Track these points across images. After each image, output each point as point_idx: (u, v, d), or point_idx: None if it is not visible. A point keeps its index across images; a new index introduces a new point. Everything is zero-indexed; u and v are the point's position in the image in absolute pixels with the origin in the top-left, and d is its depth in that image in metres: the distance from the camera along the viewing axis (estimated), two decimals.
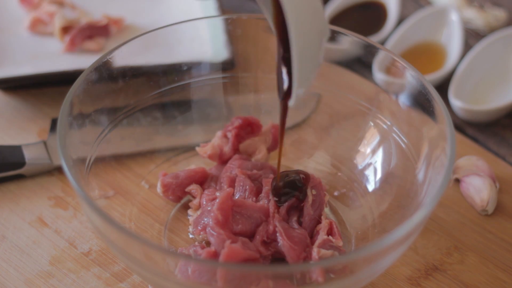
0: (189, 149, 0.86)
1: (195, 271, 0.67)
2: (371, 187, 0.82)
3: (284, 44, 0.66)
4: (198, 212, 0.78)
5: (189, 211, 0.80)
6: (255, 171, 0.80)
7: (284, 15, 0.62)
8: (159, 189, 0.81)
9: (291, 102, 0.68)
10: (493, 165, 0.89)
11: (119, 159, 0.84)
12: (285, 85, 0.68)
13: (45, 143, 0.87)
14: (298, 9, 0.62)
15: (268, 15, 0.68)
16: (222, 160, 0.83)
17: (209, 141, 0.84)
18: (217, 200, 0.73)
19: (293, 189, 0.75)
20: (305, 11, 0.62)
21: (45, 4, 1.04)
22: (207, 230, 0.73)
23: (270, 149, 0.85)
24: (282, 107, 0.72)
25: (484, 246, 0.81)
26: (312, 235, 0.76)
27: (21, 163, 0.84)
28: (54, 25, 1.01)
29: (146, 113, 0.84)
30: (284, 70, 0.68)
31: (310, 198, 0.76)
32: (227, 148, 0.83)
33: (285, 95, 0.69)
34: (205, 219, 0.75)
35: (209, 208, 0.76)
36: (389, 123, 0.81)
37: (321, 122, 0.89)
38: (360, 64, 0.95)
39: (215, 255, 0.71)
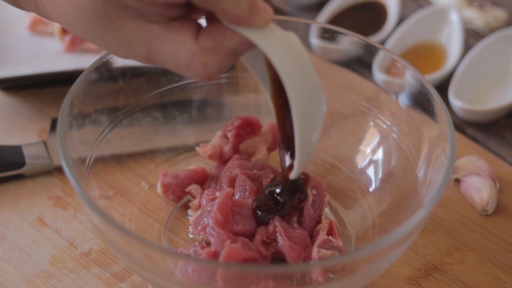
0: (189, 149, 0.86)
1: (195, 271, 0.67)
2: (371, 187, 0.82)
3: (284, 124, 0.69)
4: (198, 212, 0.78)
5: (189, 211, 0.80)
6: (255, 171, 0.80)
7: (290, 105, 0.63)
8: (159, 189, 0.81)
9: (292, 175, 0.69)
10: (493, 165, 0.89)
11: (119, 159, 0.84)
12: (287, 162, 0.71)
13: (45, 143, 0.87)
14: (301, 94, 0.63)
15: (266, 92, 0.70)
16: (222, 160, 0.83)
17: (209, 141, 0.84)
18: (217, 200, 0.73)
19: (294, 191, 0.75)
20: (306, 93, 0.64)
21: None
22: (207, 230, 0.73)
23: (270, 149, 0.85)
24: (284, 177, 0.73)
25: (484, 246, 0.81)
26: (312, 235, 0.75)
27: (21, 163, 0.84)
28: (54, 25, 1.01)
29: (146, 113, 0.84)
30: (287, 149, 0.71)
31: (310, 198, 0.76)
32: (227, 148, 0.83)
33: (288, 168, 0.71)
34: (205, 219, 0.75)
35: (209, 208, 0.76)
36: (389, 123, 0.81)
37: None
38: (360, 64, 0.95)
39: (215, 255, 0.71)
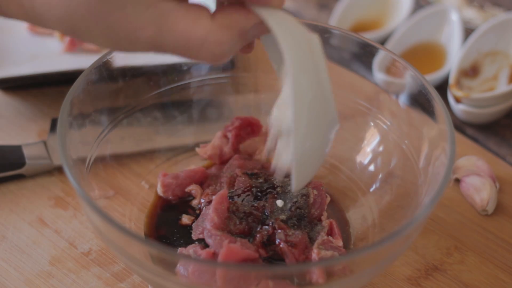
0: (189, 149, 0.86)
1: (195, 271, 0.67)
2: (371, 187, 0.82)
3: None
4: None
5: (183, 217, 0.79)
6: (255, 171, 0.80)
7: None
8: (159, 189, 0.80)
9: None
10: (493, 165, 0.89)
11: (119, 159, 0.84)
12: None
13: (45, 143, 0.87)
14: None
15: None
16: (222, 160, 0.83)
17: (209, 141, 0.84)
18: (212, 202, 0.73)
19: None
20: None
21: None
22: (204, 232, 0.73)
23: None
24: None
25: (484, 246, 0.81)
26: (313, 236, 0.75)
27: (21, 163, 0.84)
28: None
29: (146, 113, 0.84)
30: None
31: (311, 198, 0.76)
32: (227, 148, 0.83)
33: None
34: (204, 222, 0.75)
35: (207, 212, 0.75)
36: (389, 123, 0.81)
37: None
38: (360, 64, 0.95)
39: (214, 257, 0.71)
